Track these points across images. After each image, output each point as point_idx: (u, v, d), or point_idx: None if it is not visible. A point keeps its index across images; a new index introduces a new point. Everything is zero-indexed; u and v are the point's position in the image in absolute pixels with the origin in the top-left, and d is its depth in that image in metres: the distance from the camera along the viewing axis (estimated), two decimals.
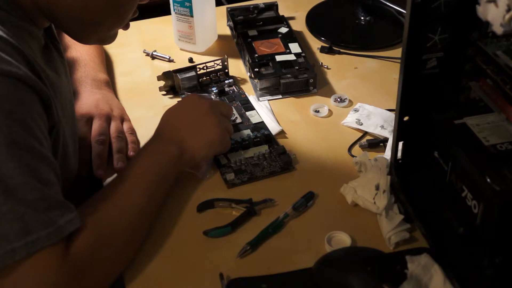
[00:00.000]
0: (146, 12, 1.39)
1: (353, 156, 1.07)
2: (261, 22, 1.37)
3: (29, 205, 0.76)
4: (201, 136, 1.00)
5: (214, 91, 1.21)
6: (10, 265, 0.75)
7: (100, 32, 0.92)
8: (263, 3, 1.40)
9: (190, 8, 1.29)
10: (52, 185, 0.80)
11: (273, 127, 1.13)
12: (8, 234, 0.75)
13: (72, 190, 0.98)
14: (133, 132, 1.10)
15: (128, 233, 0.88)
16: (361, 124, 1.13)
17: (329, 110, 1.18)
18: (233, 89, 1.24)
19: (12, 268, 0.76)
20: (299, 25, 1.43)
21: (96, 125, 1.07)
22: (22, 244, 0.75)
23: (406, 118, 0.91)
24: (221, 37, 1.39)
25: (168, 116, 1.03)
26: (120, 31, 0.98)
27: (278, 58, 1.25)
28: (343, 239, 0.93)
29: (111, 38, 0.96)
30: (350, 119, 1.15)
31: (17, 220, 0.75)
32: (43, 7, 0.86)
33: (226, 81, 1.24)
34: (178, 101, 1.15)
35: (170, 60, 1.32)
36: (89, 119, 1.08)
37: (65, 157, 0.93)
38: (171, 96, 1.23)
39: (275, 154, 1.07)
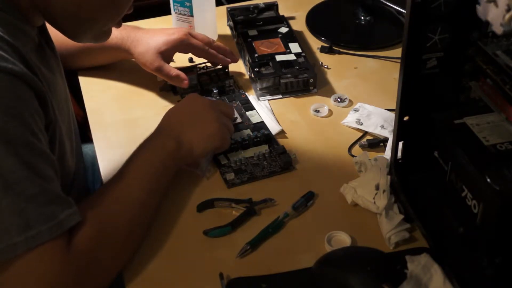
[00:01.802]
0: (146, 12, 1.39)
1: (353, 156, 1.08)
2: (261, 22, 1.37)
3: (29, 200, 0.76)
4: (199, 129, 1.01)
5: (214, 91, 1.21)
6: (12, 260, 0.76)
7: (95, 28, 0.92)
8: (263, 3, 1.40)
9: (190, 8, 1.29)
10: (51, 180, 0.80)
11: (273, 127, 1.13)
12: (9, 228, 0.75)
13: (70, 190, 0.98)
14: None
15: (129, 227, 0.88)
16: (361, 124, 1.13)
17: (329, 110, 1.18)
18: (233, 89, 1.24)
19: (14, 263, 0.76)
20: (299, 25, 1.43)
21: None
22: (23, 239, 0.75)
23: (406, 118, 0.91)
24: (221, 37, 1.39)
25: (169, 114, 1.04)
26: None
27: (278, 58, 1.25)
28: (343, 239, 0.93)
29: (105, 35, 0.96)
30: (350, 119, 1.15)
31: (17, 214, 0.75)
32: (39, 4, 0.86)
33: (226, 81, 1.24)
34: (179, 101, 1.16)
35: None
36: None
37: (62, 156, 0.93)
38: (171, 96, 1.23)
39: (275, 154, 1.07)
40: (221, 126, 1.03)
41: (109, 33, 0.97)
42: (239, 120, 1.14)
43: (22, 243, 0.75)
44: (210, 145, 1.02)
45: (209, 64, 1.25)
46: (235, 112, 1.15)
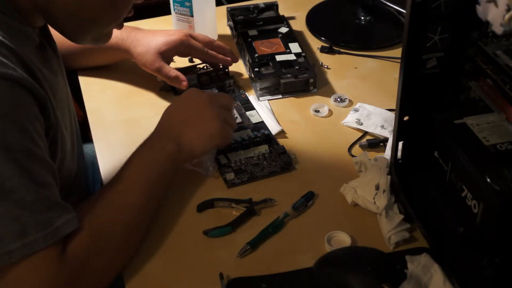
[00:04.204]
0: (146, 12, 1.39)
1: (353, 156, 1.08)
2: (261, 22, 1.37)
3: (26, 207, 0.76)
4: (199, 129, 0.99)
5: (214, 91, 1.21)
6: (7, 267, 0.75)
7: (95, 30, 0.92)
8: (263, 3, 1.40)
9: (190, 8, 1.29)
10: (49, 187, 0.80)
11: (273, 127, 1.13)
12: (4, 236, 0.75)
13: (71, 190, 0.98)
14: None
15: (126, 233, 0.88)
16: (361, 124, 1.13)
17: (329, 110, 1.18)
18: (233, 89, 1.24)
19: (9, 270, 0.76)
20: (299, 25, 1.43)
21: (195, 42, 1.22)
22: (19, 246, 0.75)
23: (406, 118, 0.91)
24: (221, 37, 1.39)
25: (168, 112, 1.02)
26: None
27: (278, 58, 1.25)
28: (343, 239, 0.93)
29: (105, 37, 0.96)
30: (350, 119, 1.15)
31: (13, 221, 0.75)
32: (40, 5, 0.86)
33: (226, 81, 1.24)
34: (178, 97, 1.16)
35: None
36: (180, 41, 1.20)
37: (64, 157, 0.93)
38: (171, 96, 1.23)
39: (275, 154, 1.07)
40: (222, 123, 1.01)
41: (109, 35, 0.96)
42: (239, 120, 1.14)
43: (17, 250, 0.75)
44: (210, 144, 1.01)
45: (209, 64, 1.25)
46: (235, 112, 1.15)
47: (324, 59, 1.32)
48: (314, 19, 1.44)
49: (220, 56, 1.23)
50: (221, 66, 1.26)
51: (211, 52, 1.23)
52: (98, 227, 0.84)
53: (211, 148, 1.03)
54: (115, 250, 0.86)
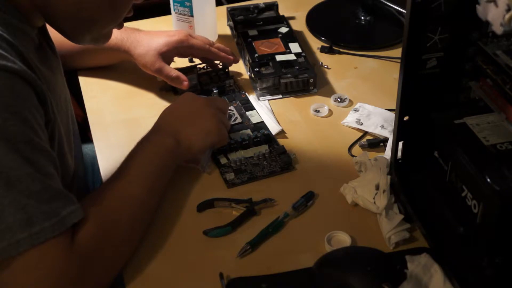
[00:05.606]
0: (146, 12, 1.39)
1: (353, 156, 1.08)
2: (261, 22, 1.37)
3: (32, 196, 0.76)
4: (197, 127, 1.02)
5: (214, 91, 1.21)
6: (15, 257, 0.76)
7: (95, 30, 0.92)
8: (263, 3, 1.40)
9: (190, 8, 1.29)
10: (53, 177, 0.80)
11: (273, 127, 1.13)
12: (12, 226, 0.75)
13: (71, 189, 0.98)
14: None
15: (130, 224, 0.89)
16: (361, 124, 1.13)
17: (329, 110, 1.18)
18: (233, 89, 1.24)
19: (17, 260, 0.76)
20: (299, 25, 1.43)
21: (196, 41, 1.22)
22: (26, 236, 0.75)
23: (406, 118, 0.91)
24: (221, 37, 1.39)
25: (165, 113, 1.04)
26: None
27: (278, 58, 1.25)
28: (343, 239, 0.93)
29: (104, 38, 0.96)
30: (350, 119, 1.15)
31: (20, 211, 0.75)
32: (39, 5, 0.86)
33: (226, 81, 1.24)
34: (176, 98, 1.16)
35: None
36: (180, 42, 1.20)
37: (62, 155, 0.93)
38: (171, 96, 1.23)
39: (275, 154, 1.07)
40: (218, 122, 1.04)
41: (108, 36, 0.97)
42: (239, 120, 1.14)
43: (25, 240, 0.75)
44: (208, 141, 1.03)
45: None
46: (235, 112, 1.15)
47: (324, 59, 1.32)
48: (314, 19, 1.44)
49: (222, 53, 1.24)
50: (221, 66, 1.26)
51: (213, 49, 1.23)
52: (104, 218, 0.85)
53: (209, 146, 1.04)
54: (120, 240, 0.87)
